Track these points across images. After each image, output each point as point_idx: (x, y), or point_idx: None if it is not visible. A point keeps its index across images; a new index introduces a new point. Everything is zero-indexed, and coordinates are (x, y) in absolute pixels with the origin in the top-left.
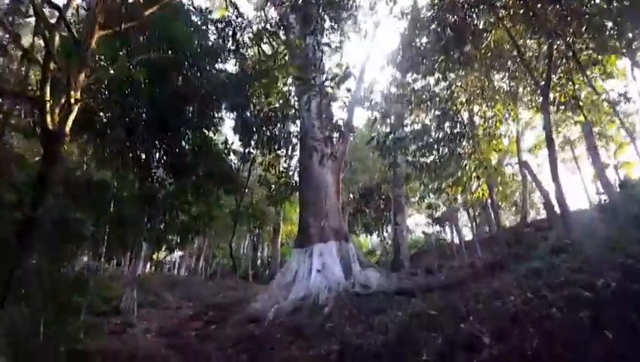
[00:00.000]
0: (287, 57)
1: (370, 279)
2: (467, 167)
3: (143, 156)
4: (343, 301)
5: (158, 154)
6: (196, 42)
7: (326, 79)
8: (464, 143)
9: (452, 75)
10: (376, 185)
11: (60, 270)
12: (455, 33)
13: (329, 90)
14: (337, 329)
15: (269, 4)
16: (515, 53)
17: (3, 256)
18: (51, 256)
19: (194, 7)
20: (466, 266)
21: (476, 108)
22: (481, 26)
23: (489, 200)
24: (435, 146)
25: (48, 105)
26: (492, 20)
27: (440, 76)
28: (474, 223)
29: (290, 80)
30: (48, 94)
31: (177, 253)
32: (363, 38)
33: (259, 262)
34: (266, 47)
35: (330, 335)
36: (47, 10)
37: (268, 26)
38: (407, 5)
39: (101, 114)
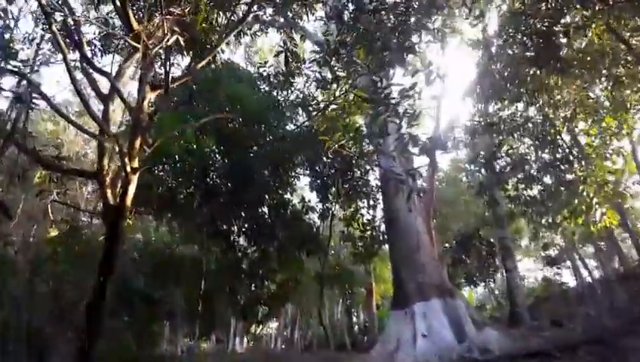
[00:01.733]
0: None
1: (490, 340)
2: (584, 193)
3: (224, 226)
4: None
5: (238, 222)
6: (257, 100)
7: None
8: (575, 166)
9: (545, 97)
10: (473, 230)
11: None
12: (544, 38)
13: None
14: None
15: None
16: (620, 50)
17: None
18: (132, 336)
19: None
20: (606, 313)
21: (581, 124)
22: (573, 25)
23: (616, 230)
24: (538, 176)
25: (108, 178)
26: (588, 14)
27: (527, 99)
28: (598, 260)
29: (361, 120)
30: (107, 167)
31: (273, 325)
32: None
33: (355, 328)
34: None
35: None
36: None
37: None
38: (477, 32)
39: (178, 189)
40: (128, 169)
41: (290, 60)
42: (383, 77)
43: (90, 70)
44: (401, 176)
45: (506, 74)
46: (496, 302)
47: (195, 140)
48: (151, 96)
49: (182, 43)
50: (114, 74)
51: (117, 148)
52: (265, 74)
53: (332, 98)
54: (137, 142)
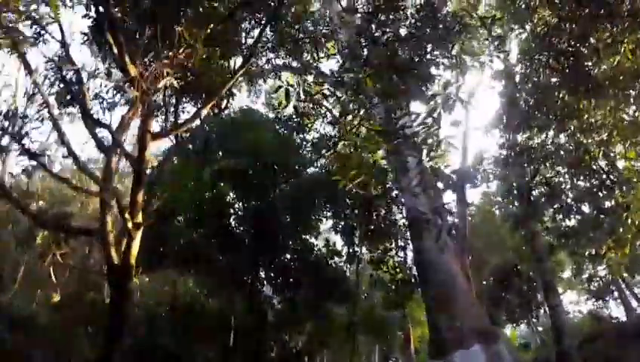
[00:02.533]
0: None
1: None
2: (629, 221)
3: (248, 276)
4: None
5: (261, 271)
6: (275, 144)
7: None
8: (616, 193)
9: (575, 122)
10: (512, 265)
11: None
12: (572, 59)
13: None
14: None
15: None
16: None
17: None
18: None
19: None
20: None
21: (618, 147)
22: (603, 43)
23: None
24: (576, 205)
25: (111, 236)
26: (617, 31)
27: (557, 126)
28: None
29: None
30: (110, 224)
31: None
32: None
33: None
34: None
35: None
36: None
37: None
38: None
39: (198, 239)
40: (130, 225)
41: (303, 100)
42: (398, 107)
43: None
44: (427, 215)
45: (531, 101)
46: (540, 341)
47: (212, 188)
48: (152, 145)
49: (177, 86)
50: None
51: (116, 204)
52: (281, 117)
53: (343, 133)
54: (139, 196)
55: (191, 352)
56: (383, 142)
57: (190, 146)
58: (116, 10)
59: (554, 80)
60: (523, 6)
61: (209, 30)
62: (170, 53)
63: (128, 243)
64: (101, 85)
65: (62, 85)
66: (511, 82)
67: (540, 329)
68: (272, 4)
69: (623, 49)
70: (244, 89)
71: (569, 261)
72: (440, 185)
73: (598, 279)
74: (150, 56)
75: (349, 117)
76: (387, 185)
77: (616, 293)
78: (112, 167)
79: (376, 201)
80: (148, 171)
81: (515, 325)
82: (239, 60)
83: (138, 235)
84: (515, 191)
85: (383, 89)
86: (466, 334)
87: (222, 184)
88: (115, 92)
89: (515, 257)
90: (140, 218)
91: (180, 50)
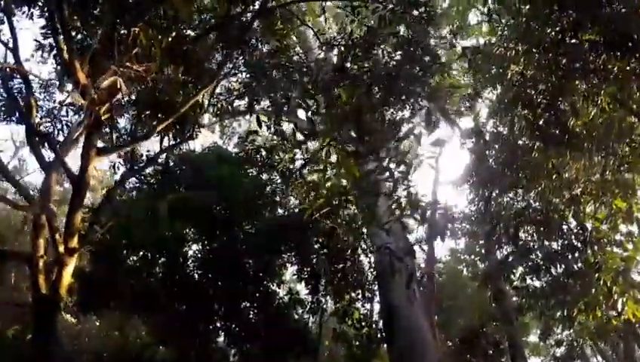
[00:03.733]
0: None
1: None
2: (600, 283)
3: (201, 324)
4: None
5: (216, 319)
6: (242, 182)
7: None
8: (588, 253)
9: (546, 181)
10: (478, 327)
11: None
12: (547, 109)
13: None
14: None
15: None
16: (629, 124)
17: None
18: None
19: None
20: None
21: (588, 208)
22: (580, 94)
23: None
24: (545, 266)
25: (41, 261)
26: (596, 82)
27: (526, 184)
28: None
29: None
30: (42, 249)
31: None
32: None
33: None
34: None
35: None
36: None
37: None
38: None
39: (150, 280)
40: (61, 249)
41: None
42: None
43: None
44: (398, 255)
45: (501, 159)
46: None
47: (169, 225)
48: (98, 162)
49: (125, 97)
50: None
51: (45, 221)
52: (251, 155)
53: (309, 157)
54: (77, 218)
55: None
56: (354, 167)
57: (147, 176)
58: (69, 11)
59: (523, 140)
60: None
61: (170, 39)
62: (130, 64)
63: (59, 271)
64: (54, 102)
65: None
66: (481, 139)
67: None
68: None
69: (599, 101)
70: (216, 130)
71: (536, 324)
72: (415, 216)
73: (566, 344)
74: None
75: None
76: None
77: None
78: (50, 185)
79: (345, 245)
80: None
81: None
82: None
83: (72, 263)
84: (483, 250)
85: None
86: None
87: (180, 222)
88: (70, 110)
89: (483, 318)
90: (75, 243)
91: (135, 56)
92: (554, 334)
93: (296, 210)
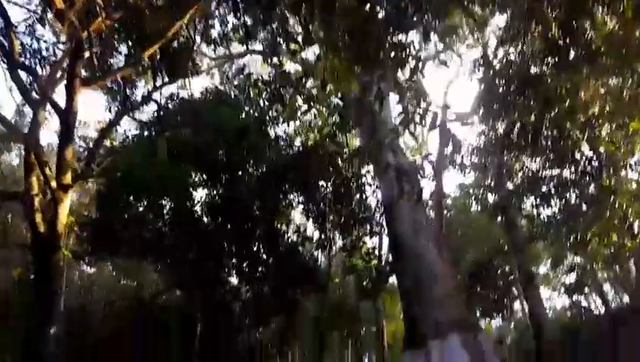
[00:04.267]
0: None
1: None
2: (616, 206)
3: (212, 265)
4: None
5: (227, 260)
6: (243, 123)
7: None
8: (604, 177)
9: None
10: (487, 260)
11: None
12: (563, 25)
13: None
14: None
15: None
16: None
17: None
18: None
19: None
20: None
21: (603, 132)
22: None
23: None
24: (556, 194)
25: (37, 200)
26: None
27: (538, 112)
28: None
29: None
30: (36, 186)
31: None
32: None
33: None
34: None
35: None
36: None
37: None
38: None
39: (159, 225)
40: (54, 184)
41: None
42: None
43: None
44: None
45: (512, 87)
46: (518, 336)
47: (172, 168)
48: (82, 92)
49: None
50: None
51: (33, 156)
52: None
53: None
54: (68, 153)
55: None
56: (353, 77)
57: (147, 122)
58: None
59: (535, 66)
60: None
61: None
62: None
63: (55, 208)
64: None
65: None
66: (490, 68)
67: (514, 324)
68: None
69: (622, 8)
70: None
71: (546, 254)
72: (424, 122)
73: (578, 270)
74: None
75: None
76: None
77: (593, 288)
78: (38, 121)
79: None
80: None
81: (489, 320)
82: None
83: (66, 199)
84: (493, 182)
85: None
86: (444, 325)
87: (183, 165)
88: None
89: (492, 251)
90: (68, 179)
91: None
92: (565, 261)
93: (300, 149)
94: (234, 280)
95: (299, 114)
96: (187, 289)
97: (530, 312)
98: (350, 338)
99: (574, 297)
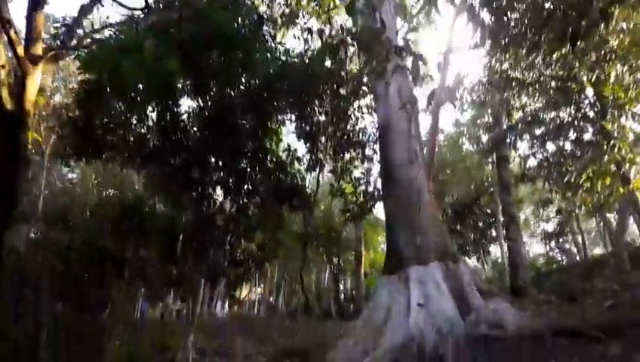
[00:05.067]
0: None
1: (502, 314)
2: (615, 150)
3: (197, 176)
4: (465, 350)
5: (212, 172)
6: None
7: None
8: (607, 119)
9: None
10: (472, 199)
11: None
12: None
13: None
14: None
15: None
16: None
17: None
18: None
19: None
20: (629, 289)
21: (612, 73)
22: None
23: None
24: (554, 134)
25: (2, 72)
26: None
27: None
28: (607, 232)
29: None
30: (2, 57)
31: (257, 291)
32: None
33: (342, 296)
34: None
35: None
36: None
37: None
38: None
39: (142, 129)
40: (20, 51)
41: None
42: None
43: None
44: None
45: (525, 20)
46: (494, 275)
47: (156, 69)
48: None
49: None
50: None
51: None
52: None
53: None
54: (39, 21)
55: (136, 254)
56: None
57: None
58: None
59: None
60: None
61: None
62: None
63: (22, 81)
64: None
65: None
66: None
67: (489, 265)
68: None
69: None
70: None
71: (529, 200)
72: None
73: (563, 215)
74: None
75: None
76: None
77: (571, 237)
78: None
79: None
80: None
81: (466, 259)
82: None
83: (36, 73)
84: (492, 118)
85: None
86: (425, 251)
87: (171, 67)
88: None
89: (478, 191)
90: (38, 49)
91: None
92: (550, 207)
93: (296, 59)
94: (219, 193)
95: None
96: (170, 199)
97: (509, 250)
98: (329, 263)
99: (552, 243)
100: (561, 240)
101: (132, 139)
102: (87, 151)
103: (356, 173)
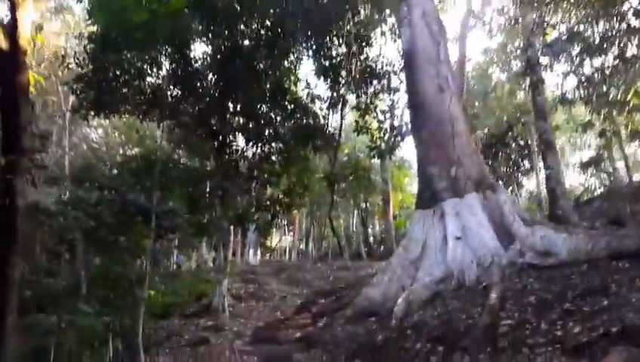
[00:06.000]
0: None
1: (552, 240)
2: None
3: (216, 124)
4: (513, 280)
5: (231, 119)
6: None
7: None
8: None
9: None
10: (504, 131)
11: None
12: None
13: None
14: (518, 330)
15: None
16: None
17: None
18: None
19: None
20: None
21: None
22: None
23: None
24: (595, 50)
25: None
26: None
27: None
28: None
29: None
30: None
31: (288, 238)
32: None
33: (371, 239)
34: None
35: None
36: None
37: None
38: None
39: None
40: None
41: None
42: None
43: None
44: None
45: None
46: (528, 207)
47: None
48: None
49: None
50: None
51: None
52: None
53: None
54: None
55: (164, 207)
56: None
57: None
58: None
59: None
60: None
61: None
62: None
63: (13, 13)
64: None
65: None
66: None
67: (523, 196)
68: None
69: None
70: None
71: (565, 128)
72: None
73: (606, 137)
74: None
75: None
76: None
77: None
78: None
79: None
80: None
81: None
82: None
83: (27, 2)
84: (524, 39)
85: None
86: (461, 182)
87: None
88: None
89: (509, 121)
90: None
91: None
92: (594, 128)
93: None
94: (241, 140)
95: None
96: (192, 149)
97: (548, 179)
98: (356, 207)
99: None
100: (602, 165)
101: (148, 90)
102: (103, 105)
103: (382, 107)
